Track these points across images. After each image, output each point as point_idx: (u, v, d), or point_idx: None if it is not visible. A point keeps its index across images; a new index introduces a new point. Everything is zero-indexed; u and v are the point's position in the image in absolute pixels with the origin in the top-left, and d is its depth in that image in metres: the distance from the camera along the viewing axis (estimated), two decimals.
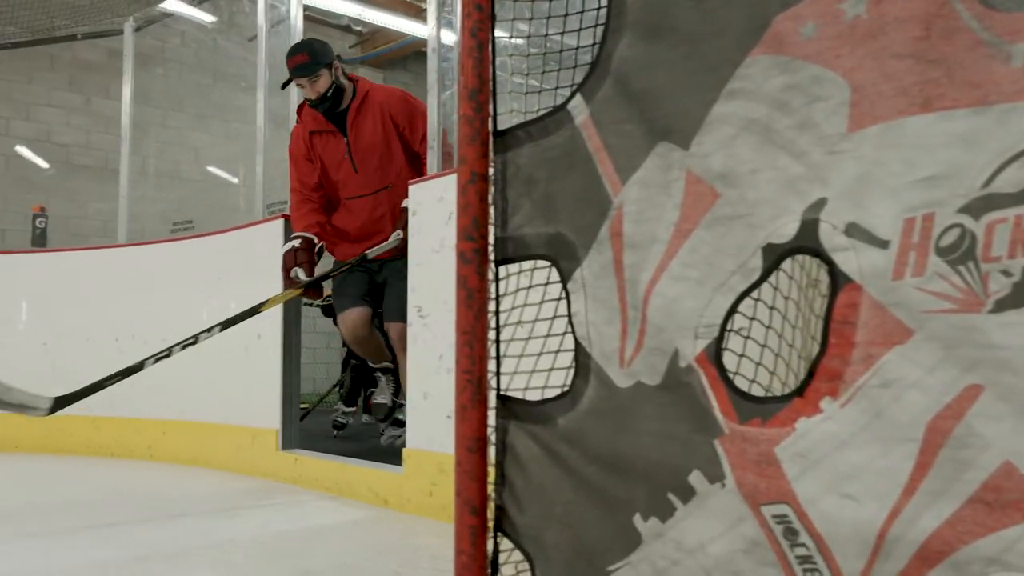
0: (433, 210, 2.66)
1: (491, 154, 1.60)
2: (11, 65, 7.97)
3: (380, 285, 3.25)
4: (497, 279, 1.58)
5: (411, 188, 2.78)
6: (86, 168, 8.57)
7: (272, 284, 3.41)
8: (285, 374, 3.34)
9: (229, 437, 3.60)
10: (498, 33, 1.60)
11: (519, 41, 1.64)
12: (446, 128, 2.85)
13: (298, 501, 2.92)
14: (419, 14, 9.25)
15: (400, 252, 2.97)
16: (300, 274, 3.03)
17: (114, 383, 2.47)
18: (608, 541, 1.35)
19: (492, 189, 1.58)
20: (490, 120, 1.57)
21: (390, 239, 2.98)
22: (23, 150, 8.22)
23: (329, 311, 5.02)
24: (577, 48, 1.58)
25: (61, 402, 2.50)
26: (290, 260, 3.07)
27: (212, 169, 8.91)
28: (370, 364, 3.54)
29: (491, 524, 1.54)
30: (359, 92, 3.16)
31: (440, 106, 2.79)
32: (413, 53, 10.64)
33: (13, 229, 8.04)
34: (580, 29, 1.56)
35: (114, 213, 8.39)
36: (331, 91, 3.06)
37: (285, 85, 3.31)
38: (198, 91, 9.07)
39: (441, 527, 2.43)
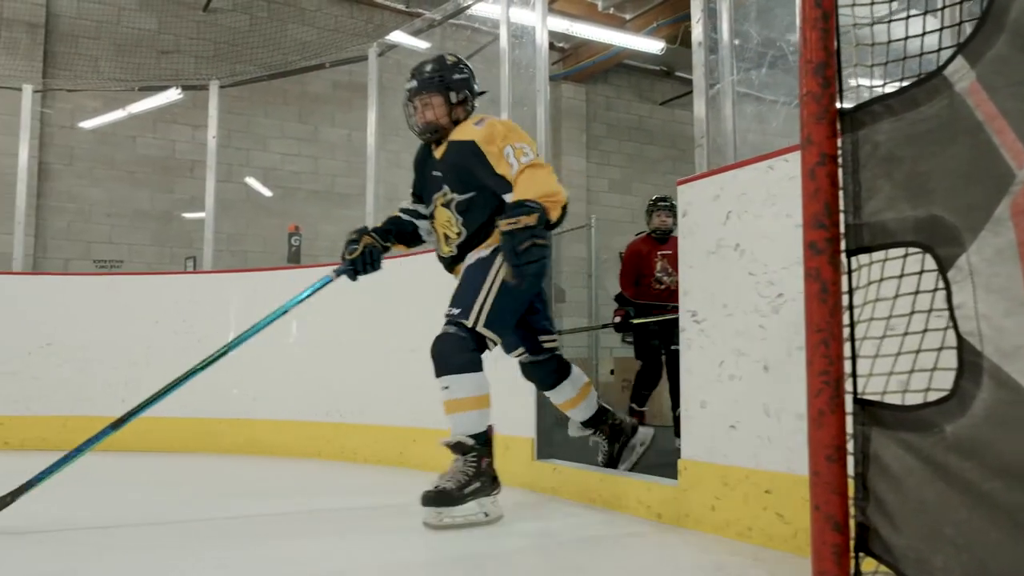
0: (706, 210, 2.54)
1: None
2: (250, 101, 8.70)
3: None
4: (850, 271, 1.44)
5: (680, 188, 2.67)
6: (314, 193, 9.20)
7: None
8: None
9: None
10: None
11: (862, 10, 1.49)
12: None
13: (566, 512, 2.87)
14: (622, 26, 9.22)
15: None
16: None
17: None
18: None
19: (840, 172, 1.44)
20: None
21: None
22: (251, 180, 8.94)
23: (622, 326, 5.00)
24: (923, 11, 1.41)
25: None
26: None
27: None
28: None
29: (851, 543, 1.39)
30: None
31: (708, 102, 2.67)
32: (614, 66, 10.63)
33: (253, 251, 8.73)
34: None
35: (341, 234, 8.93)
36: None
37: None
38: None
39: (732, 544, 2.29)
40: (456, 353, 2.62)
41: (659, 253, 4.94)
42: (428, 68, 2.88)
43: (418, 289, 4.19)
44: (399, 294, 4.28)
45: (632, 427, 3.20)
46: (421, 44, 6.08)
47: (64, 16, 8.17)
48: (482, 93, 2.96)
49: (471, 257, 2.84)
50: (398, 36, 5.35)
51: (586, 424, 3.14)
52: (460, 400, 2.62)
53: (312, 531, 2.53)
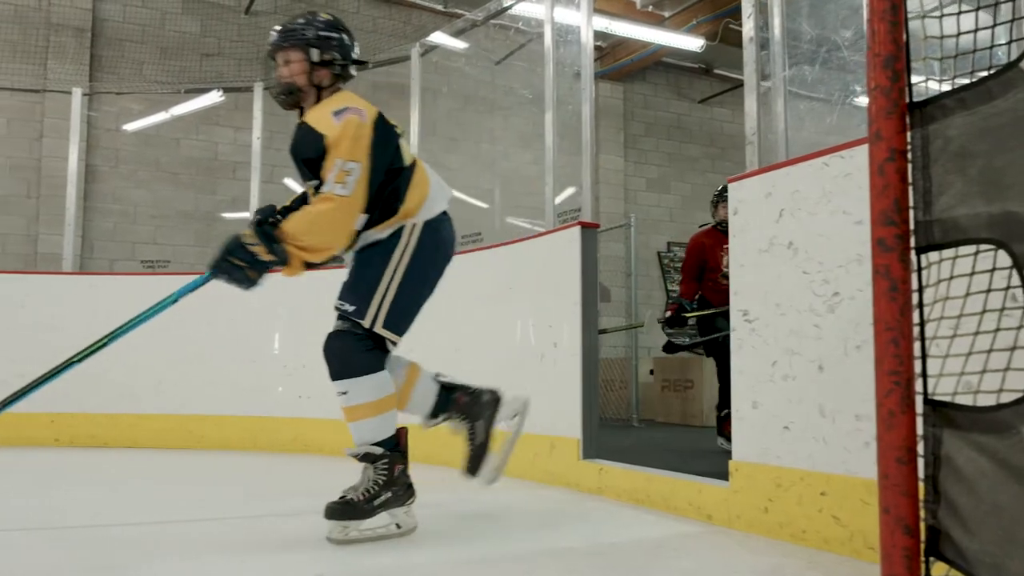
0: (758, 207, 2.51)
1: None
2: None
3: None
4: (919, 268, 1.41)
5: (730, 186, 2.65)
6: None
7: (567, 293, 3.40)
8: (585, 382, 3.31)
9: (525, 445, 3.58)
10: None
11: (929, 2, 1.46)
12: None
13: (614, 512, 2.85)
14: (661, 23, 9.16)
15: None
16: None
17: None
18: None
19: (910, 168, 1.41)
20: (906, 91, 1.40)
21: None
22: (289, 182, 9.02)
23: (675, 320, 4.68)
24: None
25: None
26: None
27: (456, 193, 9.27)
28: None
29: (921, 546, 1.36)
30: None
31: (759, 98, 2.64)
32: (652, 64, 10.57)
33: None
34: None
35: None
36: None
37: None
38: (448, 116, 9.52)
39: (786, 547, 2.26)
40: (353, 354, 2.36)
41: (725, 246, 4.49)
42: (293, 23, 2.54)
43: (464, 288, 4.20)
44: (444, 292, 4.29)
45: (494, 397, 2.61)
46: (459, 44, 6.10)
47: (110, 21, 8.31)
48: (362, 63, 2.61)
49: (365, 239, 2.48)
50: (439, 37, 5.34)
51: (435, 415, 2.57)
52: (360, 406, 2.36)
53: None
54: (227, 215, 8.52)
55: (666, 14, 9.12)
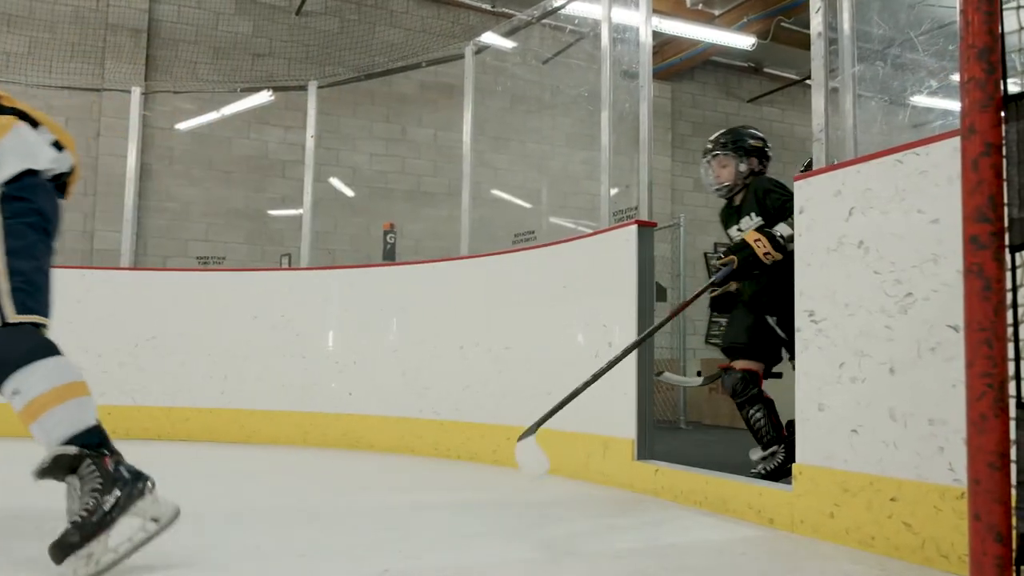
0: (827, 206, 2.46)
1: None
2: (340, 102, 8.86)
3: None
4: (1013, 267, 1.36)
5: (796, 184, 2.60)
6: (401, 192, 9.32)
7: (623, 292, 3.37)
8: (640, 382, 3.28)
9: (579, 445, 3.60)
10: None
11: None
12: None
13: (672, 514, 2.82)
14: (711, 21, 9.06)
15: None
16: None
17: None
18: None
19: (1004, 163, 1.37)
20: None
21: None
22: (335, 181, 9.10)
23: None
24: None
25: None
26: None
27: (498, 192, 9.26)
28: None
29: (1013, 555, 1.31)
30: None
31: (828, 95, 2.58)
32: (701, 63, 10.46)
33: (341, 249, 8.89)
34: None
35: (425, 232, 9.05)
36: None
37: None
38: (497, 115, 9.53)
39: (853, 553, 2.20)
40: (6, 347, 1.87)
41: None
42: None
43: (516, 286, 4.19)
44: (498, 292, 4.30)
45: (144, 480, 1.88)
46: (507, 43, 6.07)
47: (165, 22, 8.47)
48: None
49: None
50: (491, 37, 5.32)
51: (51, 468, 1.84)
52: (37, 399, 1.84)
53: (415, 524, 2.54)
54: (277, 213, 8.63)
55: (716, 12, 9.02)
